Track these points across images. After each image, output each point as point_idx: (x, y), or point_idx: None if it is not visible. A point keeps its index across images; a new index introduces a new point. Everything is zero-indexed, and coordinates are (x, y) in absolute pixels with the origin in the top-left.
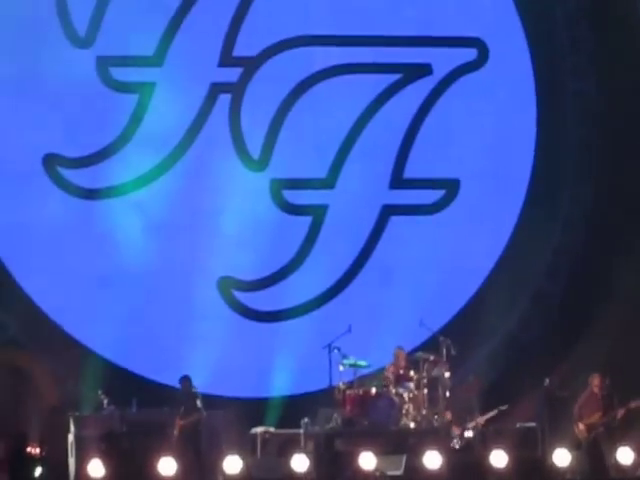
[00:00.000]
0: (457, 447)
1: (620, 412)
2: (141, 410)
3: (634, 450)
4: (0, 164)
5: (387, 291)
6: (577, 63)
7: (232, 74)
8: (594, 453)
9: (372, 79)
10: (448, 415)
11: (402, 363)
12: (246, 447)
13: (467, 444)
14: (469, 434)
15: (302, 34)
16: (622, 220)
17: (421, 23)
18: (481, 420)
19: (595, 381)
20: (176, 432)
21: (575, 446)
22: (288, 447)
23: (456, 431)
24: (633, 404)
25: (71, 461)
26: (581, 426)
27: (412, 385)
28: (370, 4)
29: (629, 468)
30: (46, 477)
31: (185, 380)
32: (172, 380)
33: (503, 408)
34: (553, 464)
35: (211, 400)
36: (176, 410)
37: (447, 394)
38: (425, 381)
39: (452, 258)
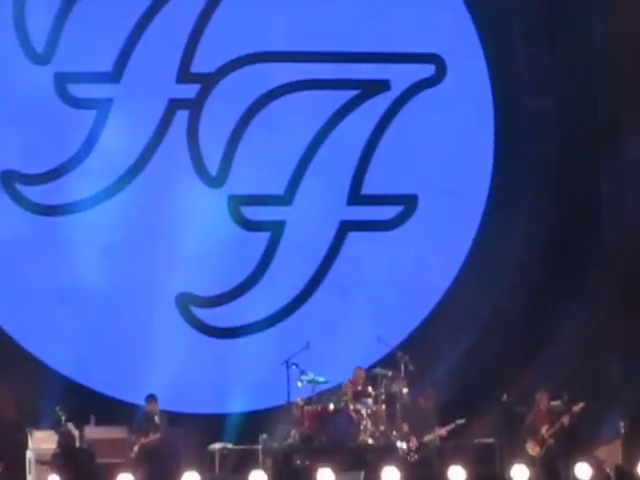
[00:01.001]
0: (411, 459)
1: (565, 419)
2: (99, 427)
3: (592, 465)
4: None
5: (345, 307)
6: (535, 79)
7: (190, 90)
8: (550, 468)
9: (330, 95)
10: (405, 429)
11: (360, 379)
12: (204, 463)
13: (425, 459)
14: (427, 447)
15: (260, 50)
16: (580, 234)
17: (379, 39)
18: (439, 433)
19: (542, 398)
20: (136, 449)
21: (536, 462)
22: (246, 463)
23: (414, 444)
24: (575, 408)
25: (29, 478)
26: (531, 443)
27: (370, 401)
28: (328, 20)
29: None
30: None
31: (151, 399)
32: (131, 397)
33: (461, 422)
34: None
35: (170, 416)
36: (138, 427)
37: (404, 407)
38: (383, 397)
39: (410, 274)
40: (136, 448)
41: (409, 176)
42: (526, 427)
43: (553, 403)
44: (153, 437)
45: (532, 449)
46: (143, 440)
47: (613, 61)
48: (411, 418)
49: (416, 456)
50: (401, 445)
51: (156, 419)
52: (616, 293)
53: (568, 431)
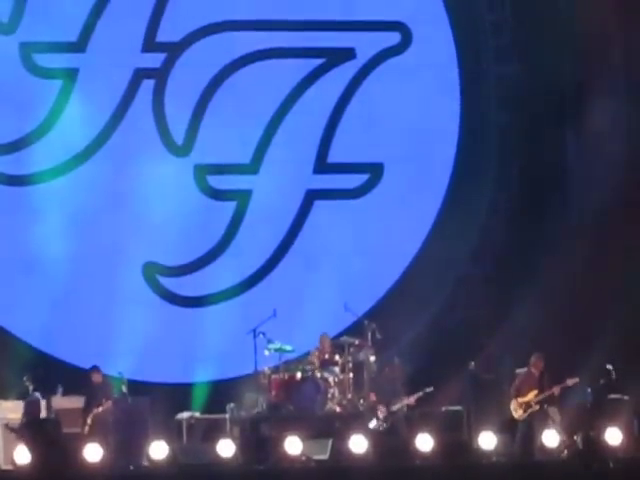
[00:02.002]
0: (380, 429)
1: (556, 389)
2: (66, 396)
3: (559, 433)
4: None
5: (312, 276)
6: (501, 46)
7: (155, 60)
8: (527, 433)
9: (295, 64)
10: (372, 397)
11: (327, 348)
12: (172, 432)
13: (392, 427)
14: (394, 416)
15: (225, 19)
16: (545, 202)
17: (344, 7)
18: (407, 401)
19: (536, 361)
20: (89, 421)
21: (504, 427)
22: (214, 432)
23: (381, 413)
24: (570, 382)
25: None
26: (516, 404)
27: (337, 369)
28: None
29: (554, 450)
30: None
31: (94, 370)
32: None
33: (428, 390)
34: (479, 447)
35: (137, 385)
36: (87, 399)
37: (371, 377)
38: (350, 365)
39: (376, 242)
40: (89, 420)
41: (375, 144)
42: (514, 387)
43: (519, 370)
44: (104, 407)
45: (515, 410)
46: (95, 411)
47: (578, 27)
48: (378, 387)
49: (385, 425)
50: (370, 419)
51: (104, 389)
52: (581, 260)
53: (551, 400)
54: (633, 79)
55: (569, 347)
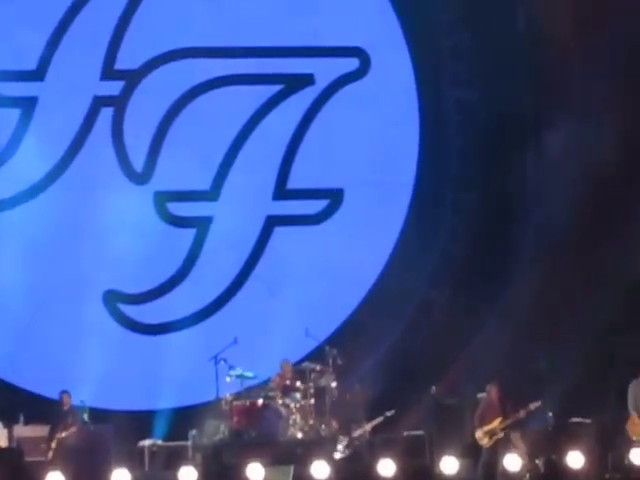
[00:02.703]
0: (343, 456)
1: (522, 413)
2: (28, 425)
3: (521, 457)
4: None
5: (273, 302)
6: (459, 71)
7: (114, 87)
8: (490, 458)
9: (254, 90)
10: (334, 424)
11: (288, 374)
12: (134, 460)
13: (354, 453)
14: (356, 442)
15: (184, 46)
16: (504, 227)
17: (303, 34)
18: (368, 427)
19: (493, 390)
20: (53, 445)
21: (466, 452)
22: (176, 459)
23: (343, 440)
24: (532, 405)
25: None
26: (482, 432)
27: (299, 395)
28: (251, 15)
29: (516, 475)
30: None
31: (63, 394)
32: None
33: (389, 414)
34: (441, 472)
35: (99, 413)
36: (54, 424)
37: (332, 403)
38: (312, 391)
39: (337, 268)
40: (53, 445)
41: (334, 170)
42: (477, 416)
43: (480, 395)
44: (69, 432)
45: (480, 439)
46: (58, 436)
47: (536, 52)
48: (339, 413)
49: (347, 452)
50: (333, 447)
51: (80, 417)
52: (540, 284)
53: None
54: (592, 104)
55: (530, 371)
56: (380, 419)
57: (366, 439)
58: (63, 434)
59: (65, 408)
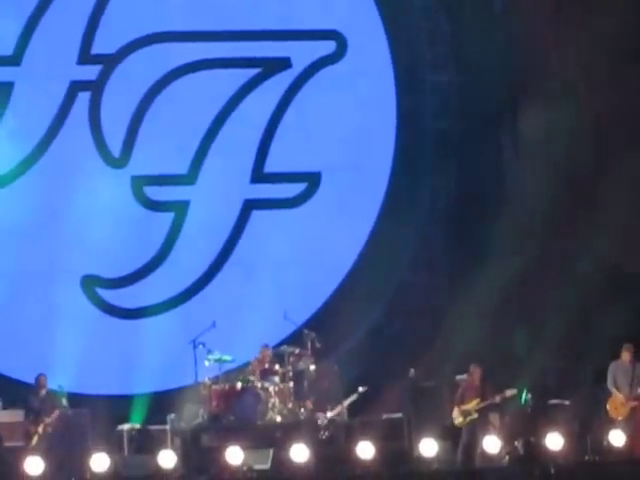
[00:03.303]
0: (322, 437)
1: (497, 398)
2: (6, 410)
3: (500, 439)
4: None
5: (251, 286)
6: (436, 53)
7: (91, 72)
8: (469, 440)
9: (231, 74)
10: (309, 404)
11: (267, 357)
12: (113, 444)
13: (332, 435)
14: (334, 422)
15: (160, 31)
16: (482, 210)
17: (279, 17)
18: (344, 405)
19: (473, 371)
20: (41, 432)
21: (445, 434)
22: (155, 443)
23: (320, 419)
24: (508, 392)
25: None
26: (458, 411)
27: (277, 379)
28: None
29: (495, 456)
30: None
31: (42, 377)
32: None
33: (362, 390)
34: (420, 454)
35: (77, 398)
36: (35, 410)
37: (310, 385)
38: (291, 374)
39: (315, 251)
40: (40, 429)
41: (312, 153)
42: (458, 395)
43: (458, 377)
44: (52, 417)
45: (456, 418)
46: (45, 421)
47: (513, 35)
48: (316, 394)
49: (326, 433)
50: (310, 424)
51: (50, 398)
52: (518, 267)
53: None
54: (569, 85)
55: (507, 354)
56: (354, 396)
57: (344, 419)
58: (47, 419)
59: (42, 392)
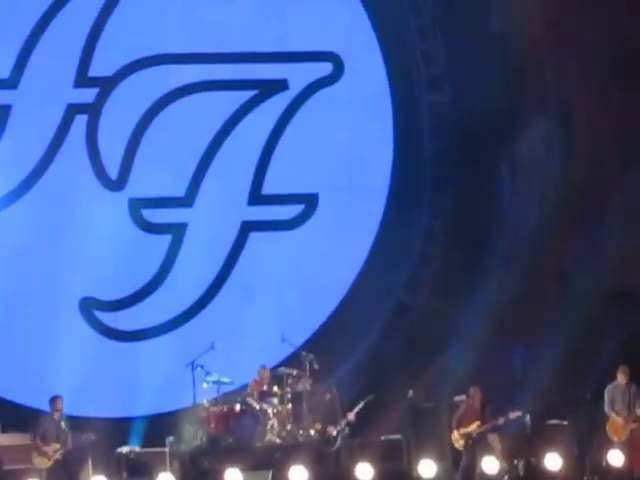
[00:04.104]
0: (336, 449)
1: (501, 420)
2: (5, 433)
3: (499, 459)
4: None
5: (249, 307)
6: (432, 75)
7: (88, 95)
8: (468, 461)
9: (228, 96)
10: (317, 426)
11: (265, 379)
12: (112, 467)
13: (340, 449)
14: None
15: (157, 53)
16: (480, 229)
17: (276, 39)
18: (351, 415)
19: (474, 394)
20: (58, 456)
21: (444, 455)
22: (154, 466)
23: (332, 432)
24: (512, 415)
25: None
26: (458, 434)
27: (276, 401)
28: (224, 21)
29: (494, 477)
30: None
31: (58, 400)
32: (36, 403)
33: (369, 399)
34: (419, 475)
35: (76, 421)
36: (48, 434)
37: (310, 407)
38: (289, 396)
39: (313, 272)
40: (58, 456)
41: (309, 175)
42: (456, 418)
43: (457, 398)
44: (68, 444)
45: (457, 441)
46: (62, 448)
47: (509, 54)
48: (321, 415)
49: (337, 444)
50: (317, 441)
51: (62, 424)
52: (516, 288)
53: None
54: (566, 108)
55: (507, 375)
56: (360, 406)
57: (351, 427)
58: (65, 445)
59: (56, 415)
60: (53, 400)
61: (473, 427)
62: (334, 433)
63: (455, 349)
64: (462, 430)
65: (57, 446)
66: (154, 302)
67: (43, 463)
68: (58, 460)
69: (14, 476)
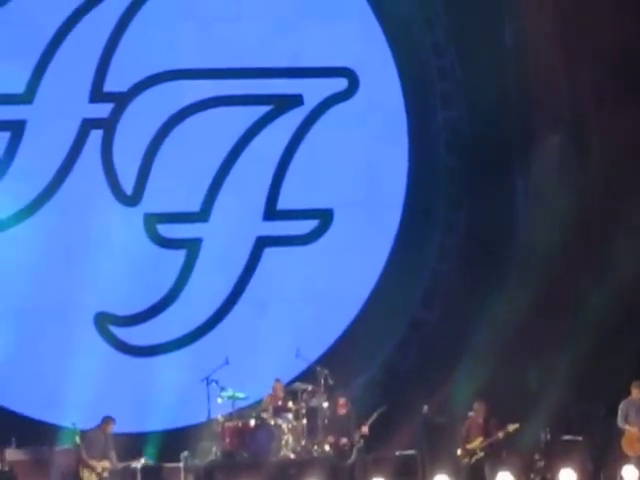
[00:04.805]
0: (351, 462)
1: (500, 435)
2: (21, 448)
3: (514, 475)
4: None
5: (263, 323)
6: (447, 91)
7: (103, 110)
8: (476, 478)
9: (243, 111)
10: (331, 439)
11: (280, 394)
12: None
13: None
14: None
15: (172, 68)
16: (494, 245)
17: (291, 54)
18: (365, 428)
19: (478, 408)
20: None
21: (458, 471)
22: None
23: (344, 445)
24: (511, 428)
25: None
26: (463, 451)
27: (291, 416)
28: (239, 36)
29: None
30: None
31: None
32: (51, 417)
33: (382, 409)
34: None
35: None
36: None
37: (325, 419)
38: (304, 411)
39: (327, 288)
40: (106, 474)
41: (324, 190)
42: (462, 434)
43: (471, 413)
44: (115, 463)
45: (462, 458)
46: (105, 473)
47: (524, 69)
48: (335, 429)
49: (352, 456)
50: (331, 457)
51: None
52: (530, 305)
53: (499, 446)
54: (581, 123)
55: (520, 390)
56: (374, 416)
57: (366, 439)
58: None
59: (103, 432)
60: (104, 420)
61: (477, 443)
62: (346, 443)
63: (469, 364)
64: (467, 446)
65: (106, 464)
66: (169, 317)
67: (90, 479)
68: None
69: None
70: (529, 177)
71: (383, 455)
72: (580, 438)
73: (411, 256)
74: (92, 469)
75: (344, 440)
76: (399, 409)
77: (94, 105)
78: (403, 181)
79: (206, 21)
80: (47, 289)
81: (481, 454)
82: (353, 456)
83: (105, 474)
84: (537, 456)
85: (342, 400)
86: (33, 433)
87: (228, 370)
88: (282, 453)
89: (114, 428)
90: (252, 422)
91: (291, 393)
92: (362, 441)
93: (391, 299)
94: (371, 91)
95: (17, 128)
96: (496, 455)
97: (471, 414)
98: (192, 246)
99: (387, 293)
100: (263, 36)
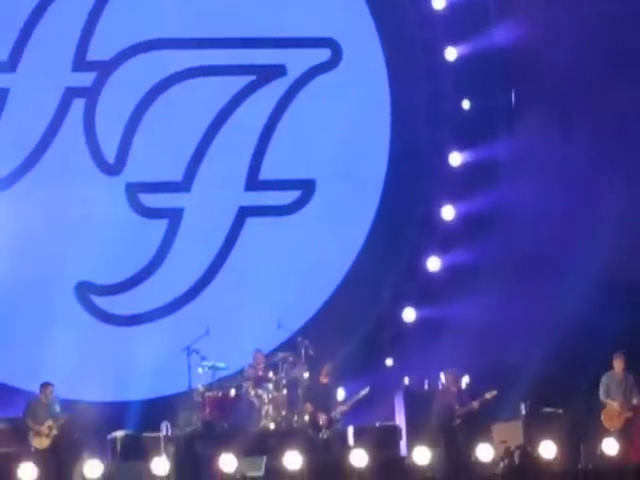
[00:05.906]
0: (326, 437)
1: (476, 403)
2: (1, 417)
3: (493, 446)
4: None
5: (245, 293)
6: (430, 62)
7: (86, 79)
8: (452, 447)
9: (226, 81)
10: (309, 407)
11: (261, 364)
12: (106, 451)
13: (330, 437)
14: (336, 422)
15: (155, 37)
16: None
17: (274, 24)
18: (344, 407)
19: (447, 378)
20: (52, 439)
21: (438, 442)
22: (148, 450)
23: (321, 420)
24: (488, 395)
25: None
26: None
27: (271, 386)
28: (223, 7)
29: (489, 464)
30: None
31: (48, 386)
32: (31, 386)
33: (364, 392)
34: (413, 462)
35: (70, 405)
36: (38, 416)
37: (306, 388)
38: (284, 382)
39: (309, 258)
40: (55, 432)
41: (306, 161)
42: (436, 404)
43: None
44: (62, 426)
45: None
46: (56, 424)
47: (508, 48)
48: (314, 398)
49: (327, 433)
50: (307, 427)
51: (56, 407)
52: (514, 277)
53: (474, 414)
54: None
55: (502, 363)
56: (355, 398)
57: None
58: (57, 427)
59: (44, 399)
60: (42, 386)
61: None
62: (325, 420)
63: (450, 337)
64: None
65: (50, 422)
66: (150, 287)
67: (43, 443)
68: (56, 437)
69: (8, 459)
70: (513, 147)
71: (364, 426)
72: (561, 411)
73: (393, 227)
74: (40, 434)
75: (323, 417)
76: (380, 380)
77: (77, 74)
78: (385, 153)
79: None
80: (28, 258)
81: (457, 421)
82: (328, 432)
83: (54, 432)
84: (517, 427)
85: (325, 369)
86: (13, 401)
87: (209, 340)
88: (262, 423)
89: (54, 391)
90: (232, 392)
91: (272, 363)
92: (340, 418)
93: (373, 270)
94: (354, 62)
95: (0, 96)
96: (473, 425)
97: (442, 385)
98: (174, 216)
99: (368, 264)
100: (247, 6)
